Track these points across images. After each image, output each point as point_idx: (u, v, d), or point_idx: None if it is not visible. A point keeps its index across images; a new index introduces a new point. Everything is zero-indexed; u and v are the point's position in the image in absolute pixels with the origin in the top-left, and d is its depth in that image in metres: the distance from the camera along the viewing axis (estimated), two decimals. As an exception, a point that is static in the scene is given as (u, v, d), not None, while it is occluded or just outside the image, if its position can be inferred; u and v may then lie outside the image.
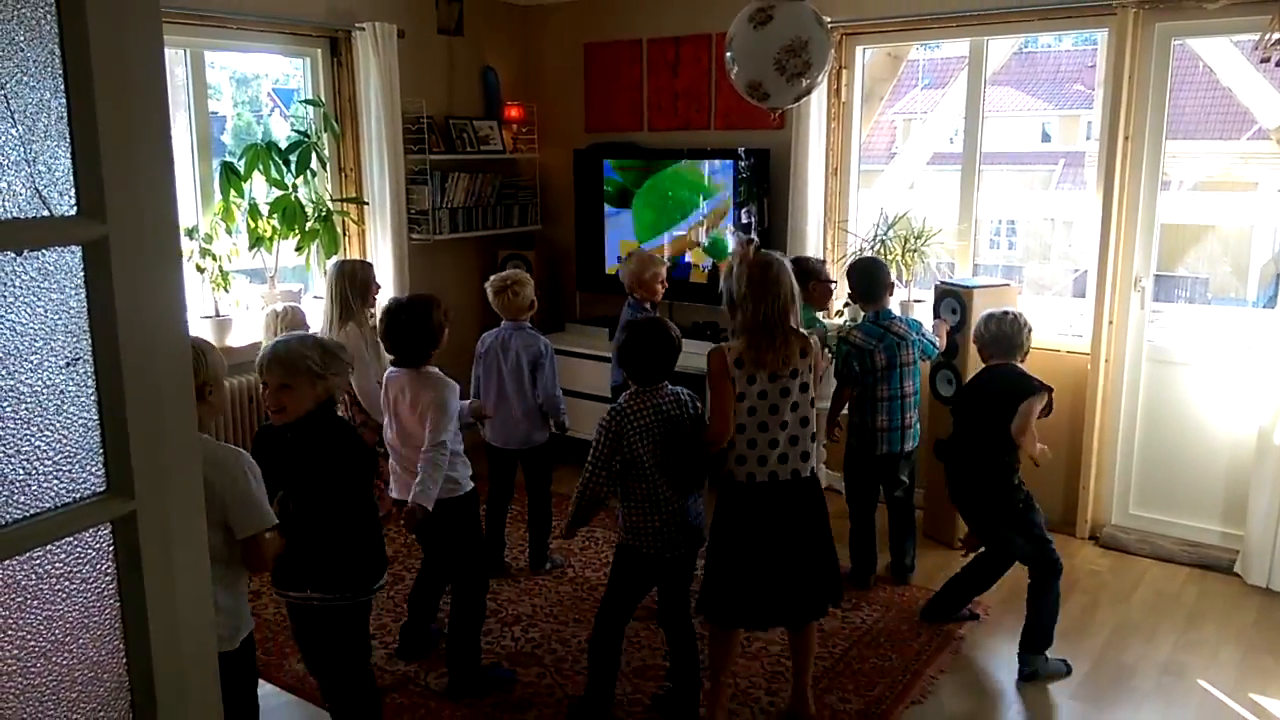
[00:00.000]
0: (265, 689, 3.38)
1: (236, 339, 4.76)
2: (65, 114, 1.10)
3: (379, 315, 3.39)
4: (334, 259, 4.77)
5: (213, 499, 2.29)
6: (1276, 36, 3.73)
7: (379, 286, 4.43)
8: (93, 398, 1.15)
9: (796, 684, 3.18)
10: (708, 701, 3.13)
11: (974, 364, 4.37)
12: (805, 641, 3.14)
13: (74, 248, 1.12)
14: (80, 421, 1.15)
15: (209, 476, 2.31)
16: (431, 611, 3.61)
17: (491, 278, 4.19)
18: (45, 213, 1.09)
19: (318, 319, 5.06)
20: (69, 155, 1.10)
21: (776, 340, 2.88)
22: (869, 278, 4.07)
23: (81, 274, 1.13)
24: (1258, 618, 3.90)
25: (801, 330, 2.99)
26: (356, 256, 5.00)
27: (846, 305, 5.02)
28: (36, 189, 1.09)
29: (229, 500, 2.33)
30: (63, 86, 1.09)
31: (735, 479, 2.97)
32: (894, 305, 4.99)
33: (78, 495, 1.15)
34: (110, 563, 1.18)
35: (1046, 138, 15.23)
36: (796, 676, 3.18)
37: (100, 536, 1.17)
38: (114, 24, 1.11)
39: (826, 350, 4.04)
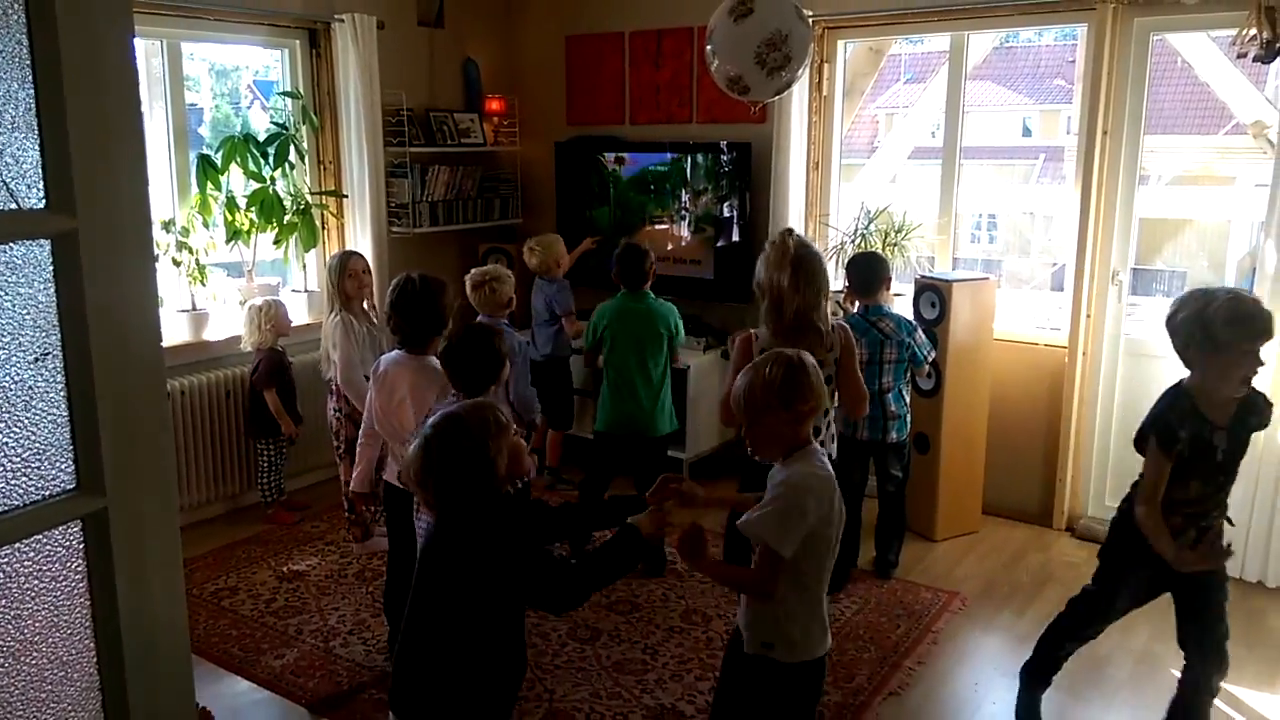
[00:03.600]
0: (241, 685, 3.37)
1: (213, 333, 4.72)
2: (33, 105, 1.08)
3: (389, 288, 3.33)
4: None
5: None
6: (1253, 32, 3.76)
7: (369, 272, 4.37)
8: (62, 393, 1.14)
9: None
10: None
11: (956, 358, 4.40)
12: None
13: (43, 241, 1.11)
14: (49, 417, 1.13)
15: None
16: None
17: (471, 272, 4.16)
18: (13, 206, 1.08)
19: (298, 313, 5.04)
20: (37, 147, 1.09)
21: (806, 333, 2.86)
22: (866, 272, 4.04)
23: (50, 268, 1.12)
24: (1231, 609, 3.89)
25: (830, 323, 2.95)
26: (348, 249, 4.92)
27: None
28: (4, 182, 1.07)
29: None
30: (30, 77, 1.07)
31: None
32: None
33: (47, 492, 1.14)
34: (81, 561, 1.17)
35: (1027, 132, 15.29)
36: None
37: (70, 534, 1.16)
38: (84, 13, 1.10)
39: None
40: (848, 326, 3.01)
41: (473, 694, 2.15)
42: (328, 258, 5.22)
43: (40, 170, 1.09)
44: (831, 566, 2.28)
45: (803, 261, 2.87)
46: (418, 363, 3.23)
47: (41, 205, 1.10)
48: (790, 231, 2.97)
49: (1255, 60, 3.84)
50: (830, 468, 2.26)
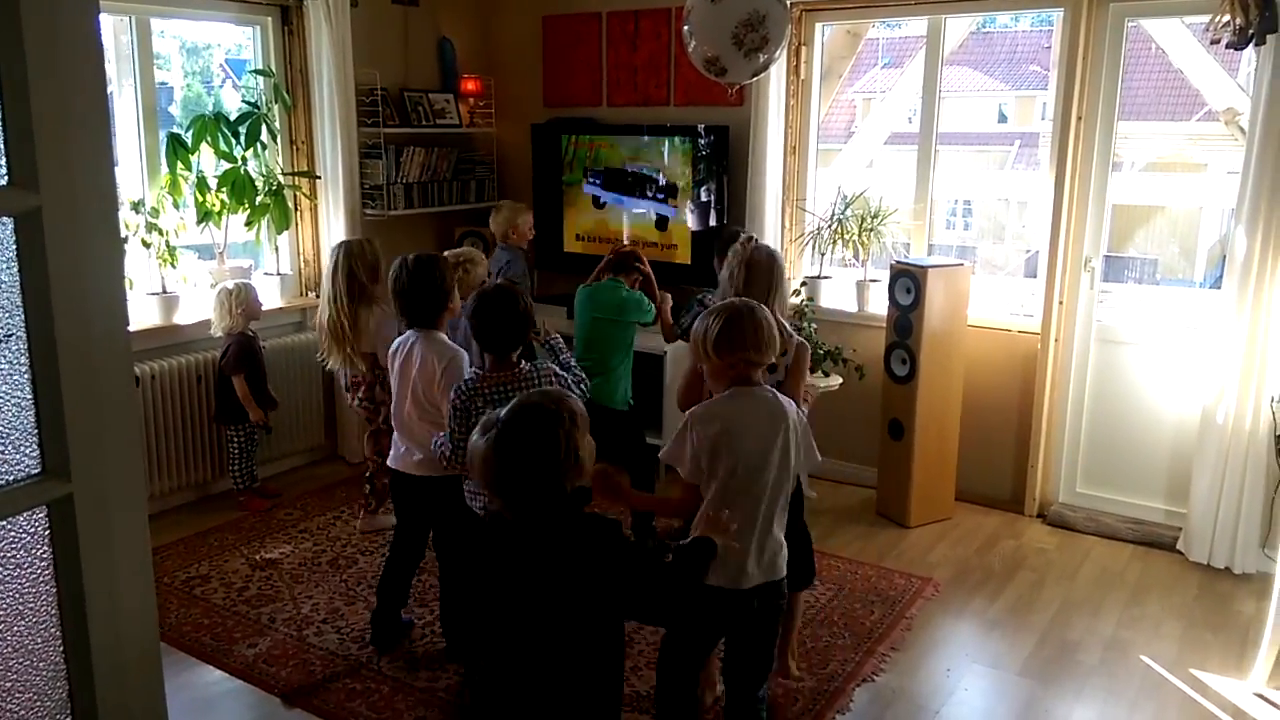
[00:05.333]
0: (214, 674, 3.34)
1: (184, 316, 4.65)
2: (-6, 80, 1.05)
3: (389, 274, 3.36)
4: (338, 240, 4.62)
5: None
6: (1227, 18, 3.78)
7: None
8: (26, 376, 1.11)
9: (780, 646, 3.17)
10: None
11: (930, 345, 4.42)
12: (791, 609, 3.18)
13: (5, 219, 1.08)
14: (13, 401, 1.11)
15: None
16: (403, 597, 3.54)
17: (445, 254, 4.14)
18: (-27, 183, 1.05)
19: (271, 296, 4.98)
20: (-2, 123, 1.06)
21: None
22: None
23: (13, 247, 1.09)
24: (1199, 594, 3.99)
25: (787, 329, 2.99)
26: (358, 236, 4.85)
27: (804, 284, 5.04)
28: (-37, 158, 1.04)
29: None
30: (-10, 51, 1.04)
31: None
32: (850, 284, 5.05)
33: (11, 477, 1.11)
34: (46, 547, 1.15)
35: (1003, 118, 15.36)
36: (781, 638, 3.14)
37: (35, 520, 1.14)
38: (45, -14, 1.06)
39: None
40: (806, 344, 3.02)
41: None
42: (315, 240, 5.18)
43: (2, 146, 1.06)
44: (760, 502, 2.39)
45: (767, 264, 2.95)
46: (428, 338, 3.30)
47: (3, 181, 1.07)
48: (750, 238, 3.03)
49: (1228, 46, 3.86)
50: (755, 401, 2.40)
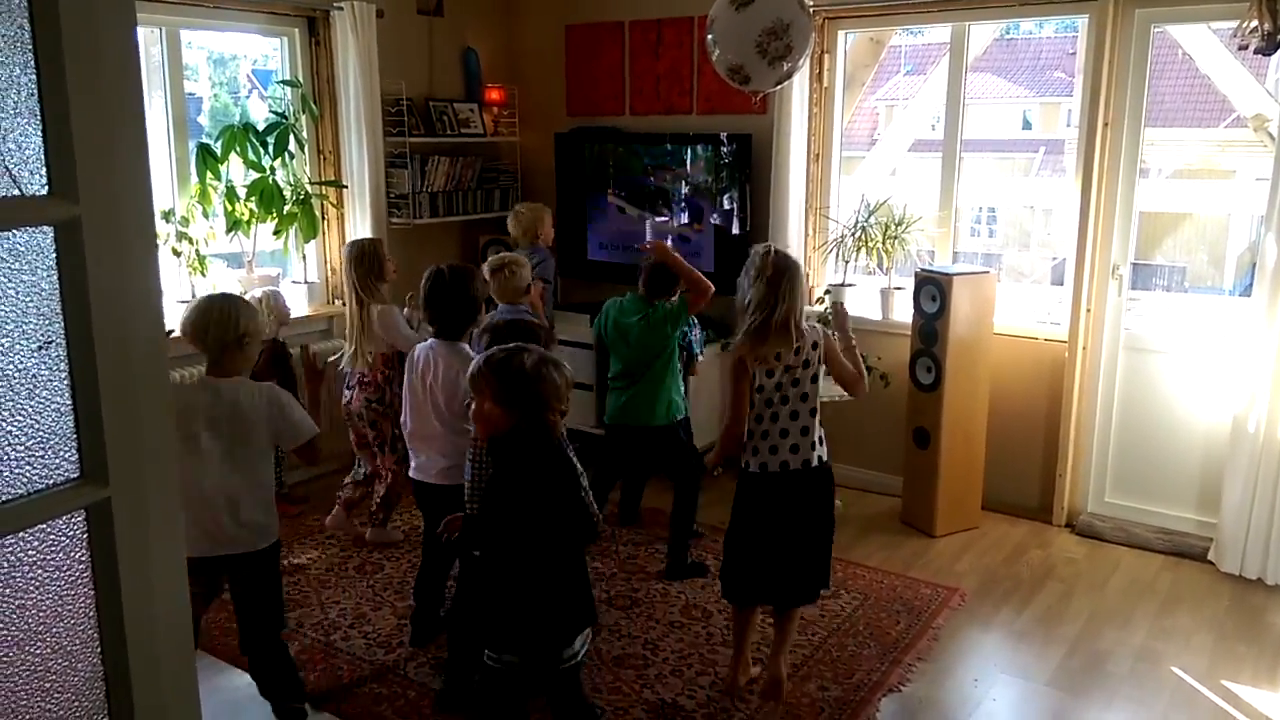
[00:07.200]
0: (243, 679, 3.36)
1: (213, 323, 4.70)
2: (36, 91, 1.07)
3: (422, 281, 3.39)
4: (348, 242, 4.65)
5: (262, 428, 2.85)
6: (1254, 24, 3.75)
7: (395, 262, 4.31)
8: (66, 382, 1.13)
9: (775, 652, 3.27)
10: (731, 665, 3.31)
11: (956, 353, 4.39)
12: (789, 618, 3.26)
13: (46, 228, 1.10)
14: (53, 406, 1.13)
15: (263, 411, 2.83)
16: (439, 598, 3.59)
17: (489, 258, 4.17)
18: (16, 192, 1.07)
19: (298, 304, 5.03)
20: (40, 133, 1.08)
21: (792, 334, 2.99)
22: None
23: (53, 255, 1.11)
24: (1230, 605, 3.94)
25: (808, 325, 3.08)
26: (368, 236, 4.90)
27: (827, 292, 5.03)
28: (6, 168, 1.06)
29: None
30: (33, 62, 1.06)
31: (750, 469, 3.10)
32: (874, 292, 5.03)
33: (50, 481, 1.13)
34: (84, 550, 1.16)
35: (1027, 125, 15.27)
36: (776, 646, 3.27)
37: (74, 524, 1.15)
38: (86, -1, 1.08)
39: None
40: (817, 326, 3.13)
41: None
42: (341, 248, 5.21)
43: (43, 156, 1.08)
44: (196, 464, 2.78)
45: (786, 268, 3.01)
46: (451, 348, 3.33)
47: (44, 191, 1.09)
48: (769, 249, 3.09)
49: (1256, 52, 3.82)
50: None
